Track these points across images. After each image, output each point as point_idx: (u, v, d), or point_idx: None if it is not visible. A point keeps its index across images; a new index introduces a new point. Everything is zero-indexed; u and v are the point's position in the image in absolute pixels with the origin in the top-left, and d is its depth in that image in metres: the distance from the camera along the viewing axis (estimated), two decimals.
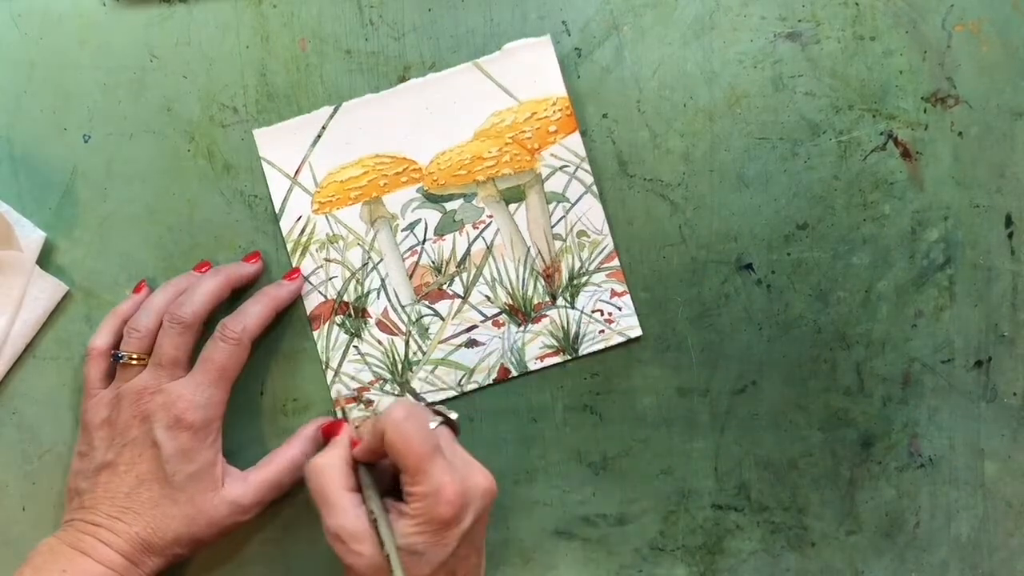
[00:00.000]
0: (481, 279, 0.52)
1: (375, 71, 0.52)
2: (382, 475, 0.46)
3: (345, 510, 0.44)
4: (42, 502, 0.53)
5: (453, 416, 0.46)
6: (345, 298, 0.52)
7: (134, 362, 0.48)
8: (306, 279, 0.52)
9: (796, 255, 0.53)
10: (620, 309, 0.52)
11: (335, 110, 0.52)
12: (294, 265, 0.52)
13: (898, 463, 0.53)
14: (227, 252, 0.53)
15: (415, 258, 0.52)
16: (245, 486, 0.48)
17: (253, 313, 0.49)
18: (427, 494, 0.42)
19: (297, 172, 0.52)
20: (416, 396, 0.52)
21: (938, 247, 0.53)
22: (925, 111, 0.53)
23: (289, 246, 0.52)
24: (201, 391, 0.47)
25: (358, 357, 0.52)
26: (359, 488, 0.45)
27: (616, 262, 0.52)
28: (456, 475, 0.43)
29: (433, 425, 0.45)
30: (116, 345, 0.50)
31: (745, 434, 0.53)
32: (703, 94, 0.52)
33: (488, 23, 0.52)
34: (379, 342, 0.52)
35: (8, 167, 0.52)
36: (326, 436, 0.49)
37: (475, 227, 0.52)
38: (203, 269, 0.51)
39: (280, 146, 0.52)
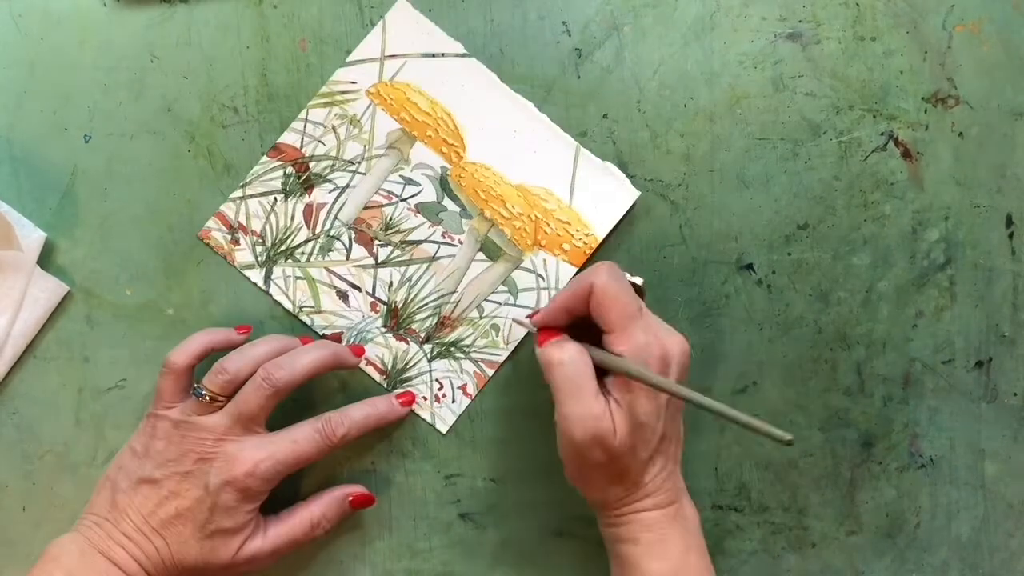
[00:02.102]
0: (402, 268, 0.52)
1: None
2: None
3: (601, 403, 0.44)
4: (42, 502, 0.53)
5: (639, 281, 0.47)
6: (311, 166, 0.52)
7: (211, 401, 0.48)
8: (304, 120, 0.52)
9: (797, 255, 0.53)
10: (454, 402, 0.52)
11: (465, 55, 0.52)
12: (308, 105, 0.51)
13: (899, 463, 0.53)
14: None
15: (383, 202, 0.52)
16: (263, 541, 0.48)
17: (357, 424, 0.49)
18: (633, 352, 0.44)
19: (392, 57, 0.51)
20: (266, 279, 0.52)
21: (939, 247, 0.53)
22: (926, 111, 0.53)
23: (321, 90, 0.52)
24: (269, 465, 0.47)
25: (264, 207, 0.52)
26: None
27: (490, 373, 0.52)
28: (656, 334, 0.45)
29: None
30: (194, 366, 0.49)
31: (745, 434, 0.53)
32: (703, 94, 0.52)
33: (488, 23, 0.52)
34: (290, 216, 0.52)
35: (8, 167, 0.52)
36: (355, 506, 0.51)
37: (444, 236, 0.52)
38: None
39: (405, 28, 0.51)
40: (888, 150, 0.53)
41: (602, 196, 0.52)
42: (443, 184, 0.52)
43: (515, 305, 0.52)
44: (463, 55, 0.52)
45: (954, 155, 0.53)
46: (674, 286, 0.53)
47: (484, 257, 0.52)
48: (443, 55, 0.52)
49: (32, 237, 0.51)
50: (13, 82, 0.52)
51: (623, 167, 0.52)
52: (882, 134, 0.53)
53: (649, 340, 0.44)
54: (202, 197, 0.52)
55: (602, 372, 0.46)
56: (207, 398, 0.47)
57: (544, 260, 0.52)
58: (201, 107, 0.52)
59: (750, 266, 0.53)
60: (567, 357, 0.45)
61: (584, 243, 0.52)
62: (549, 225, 0.52)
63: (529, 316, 0.52)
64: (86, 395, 0.53)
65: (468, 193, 0.52)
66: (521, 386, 0.53)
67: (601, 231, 0.52)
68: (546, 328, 0.47)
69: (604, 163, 0.52)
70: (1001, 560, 0.53)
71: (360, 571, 0.53)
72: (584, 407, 0.44)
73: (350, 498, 0.51)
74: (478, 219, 0.52)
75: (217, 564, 0.47)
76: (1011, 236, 0.53)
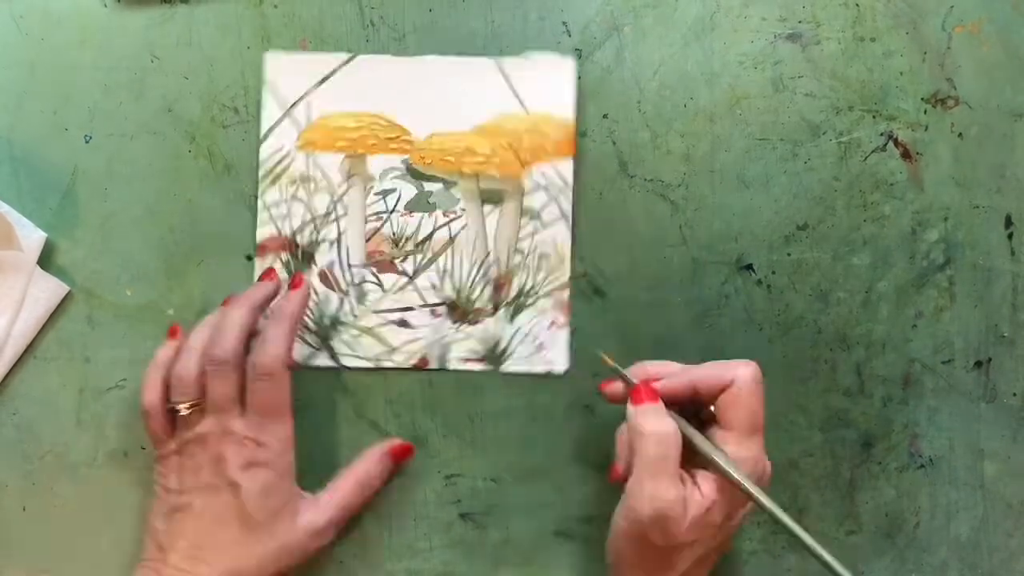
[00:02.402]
0: (433, 267, 0.52)
1: None
2: None
3: (680, 489, 0.43)
4: (42, 502, 0.53)
5: None
6: (298, 240, 0.52)
7: (190, 410, 0.47)
8: (267, 207, 0.52)
9: (796, 255, 0.53)
10: (555, 341, 0.52)
11: (350, 58, 0.52)
12: (259, 192, 0.52)
13: (898, 463, 0.53)
14: (228, 253, 0.52)
15: (378, 224, 0.52)
16: (317, 510, 0.48)
17: (273, 339, 0.47)
18: (744, 463, 0.43)
19: (294, 105, 0.52)
20: (333, 356, 0.52)
21: (938, 247, 0.53)
22: (925, 112, 0.53)
23: (260, 172, 0.52)
24: (263, 430, 0.46)
25: None
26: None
27: (567, 295, 0.52)
28: (764, 452, 0.44)
29: None
30: (163, 397, 0.48)
31: None
32: (704, 95, 0.52)
33: (489, 24, 0.52)
34: (314, 291, 0.52)
35: (9, 167, 0.52)
36: (395, 458, 0.51)
37: (445, 215, 0.52)
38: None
39: (287, 75, 0.52)
40: (888, 150, 0.53)
41: (546, 83, 0.52)
42: (414, 174, 0.52)
43: (544, 227, 0.52)
44: (350, 58, 0.52)
45: (954, 155, 0.53)
46: (674, 286, 0.53)
47: (491, 207, 0.52)
48: (334, 71, 0.52)
49: (32, 237, 0.51)
50: (13, 82, 0.52)
51: (623, 167, 0.52)
52: (882, 134, 0.53)
53: (761, 457, 0.44)
54: (202, 197, 0.52)
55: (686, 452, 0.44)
56: (185, 410, 0.47)
57: (542, 171, 0.52)
58: (201, 107, 0.52)
59: (750, 266, 0.53)
60: (662, 431, 0.44)
61: (564, 136, 0.52)
62: (523, 141, 0.52)
63: (609, 358, 0.48)
64: (86, 395, 0.53)
65: (439, 167, 0.52)
66: (521, 386, 0.53)
67: (568, 112, 0.52)
68: (644, 385, 0.46)
69: (525, 56, 0.52)
70: (1001, 560, 0.53)
71: (360, 571, 0.53)
72: (661, 487, 0.43)
73: (390, 452, 0.51)
74: (463, 181, 0.52)
75: (285, 553, 0.46)
76: (1011, 236, 0.53)
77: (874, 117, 0.53)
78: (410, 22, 0.52)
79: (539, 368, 0.52)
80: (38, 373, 0.52)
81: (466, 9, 0.52)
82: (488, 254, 0.52)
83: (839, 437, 0.53)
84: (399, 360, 0.52)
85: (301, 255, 0.52)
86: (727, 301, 0.53)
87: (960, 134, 0.53)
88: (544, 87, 0.52)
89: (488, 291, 0.52)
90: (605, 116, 0.52)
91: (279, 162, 0.52)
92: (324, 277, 0.52)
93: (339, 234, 0.52)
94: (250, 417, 0.46)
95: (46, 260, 0.52)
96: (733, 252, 0.53)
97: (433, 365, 0.52)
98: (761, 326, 0.53)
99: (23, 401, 0.53)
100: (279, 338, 0.47)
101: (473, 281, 0.52)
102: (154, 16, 0.52)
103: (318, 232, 0.52)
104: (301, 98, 0.52)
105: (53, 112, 0.52)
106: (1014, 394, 0.53)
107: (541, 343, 0.52)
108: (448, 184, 0.52)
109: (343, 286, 0.52)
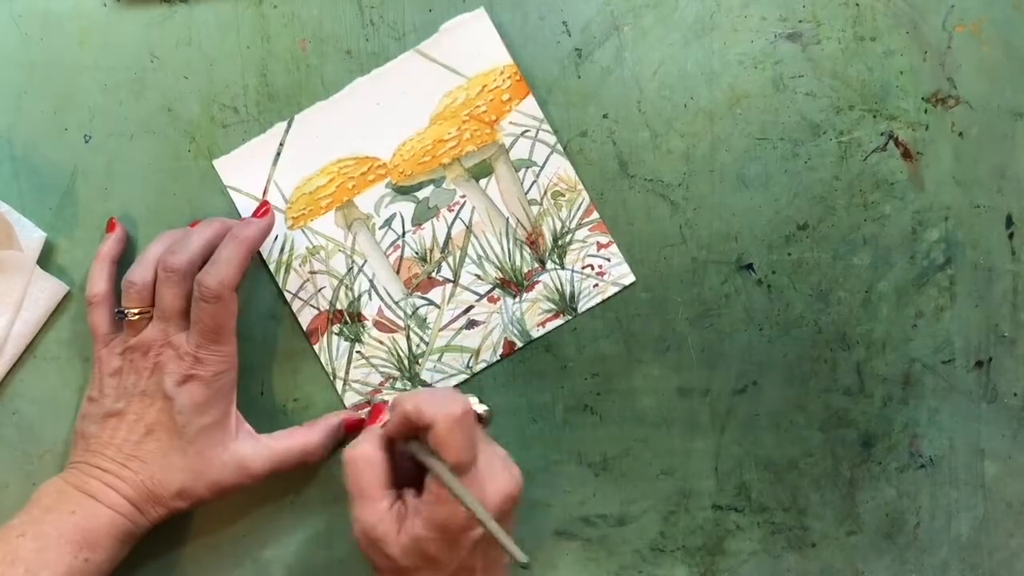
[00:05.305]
0: (468, 259, 0.53)
1: None
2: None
3: (380, 510, 0.43)
4: None
5: (482, 410, 0.46)
6: (338, 306, 0.52)
7: (138, 316, 0.48)
8: (295, 295, 0.52)
9: (797, 255, 0.53)
10: (609, 260, 0.52)
11: (289, 124, 0.52)
12: (280, 284, 0.52)
13: (898, 463, 0.53)
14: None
15: (398, 252, 0.52)
16: (256, 448, 0.48)
17: (226, 261, 0.47)
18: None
19: (264, 193, 0.52)
20: (427, 387, 0.53)
21: (938, 247, 0.53)
22: (926, 111, 0.53)
23: (272, 267, 0.52)
24: (204, 348, 0.47)
25: (363, 362, 0.52)
26: (393, 484, 0.45)
27: (596, 215, 0.52)
28: (479, 484, 0.43)
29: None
30: (113, 289, 0.50)
31: (745, 434, 0.53)
32: (704, 94, 0.52)
33: None
34: (381, 342, 0.52)
35: (9, 167, 0.52)
36: (348, 430, 0.50)
37: (450, 210, 0.52)
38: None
39: (242, 171, 0.52)
40: (888, 150, 0.53)
41: (470, 43, 0.52)
42: (403, 191, 0.52)
43: (541, 168, 0.52)
44: (289, 123, 0.52)
45: (954, 155, 0.53)
46: (674, 286, 0.53)
47: (486, 178, 0.52)
48: (282, 144, 0.52)
49: (32, 237, 0.51)
50: (13, 82, 0.52)
51: (623, 167, 0.52)
52: (882, 134, 0.53)
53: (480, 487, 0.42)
54: (202, 197, 0.52)
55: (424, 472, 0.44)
56: (132, 315, 0.48)
57: (512, 121, 0.52)
58: (201, 107, 0.52)
59: (750, 266, 0.53)
60: (353, 455, 0.44)
61: (511, 79, 0.52)
62: (480, 106, 0.52)
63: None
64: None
65: (420, 172, 0.52)
66: (521, 386, 0.53)
67: (503, 56, 0.52)
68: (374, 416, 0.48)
69: (440, 30, 0.51)
70: (1001, 560, 0.53)
71: (361, 571, 0.53)
72: (361, 510, 0.43)
73: (344, 424, 0.51)
74: (448, 171, 0.52)
75: (209, 477, 0.47)
76: (1011, 236, 0.53)
77: (874, 117, 0.53)
78: (410, 22, 0.52)
79: (611, 291, 0.53)
80: (38, 373, 0.52)
81: (466, 9, 0.52)
82: (507, 220, 0.53)
83: (839, 437, 0.53)
84: (487, 357, 0.53)
85: (349, 318, 0.52)
86: (727, 301, 0.53)
87: (961, 134, 0.53)
88: (470, 47, 0.52)
89: (527, 252, 0.53)
90: (605, 116, 0.52)
91: (281, 250, 0.52)
92: (380, 326, 0.52)
93: (370, 281, 0.52)
94: (191, 337, 0.47)
95: (46, 260, 0.52)
96: (733, 252, 0.53)
97: (520, 344, 0.53)
98: (761, 326, 0.53)
99: (23, 401, 0.53)
100: (230, 261, 0.47)
101: (509, 251, 0.52)
102: (154, 16, 0.52)
103: (351, 291, 0.52)
104: (267, 185, 0.52)
105: (53, 112, 0.52)
106: (1015, 394, 0.53)
107: (600, 268, 0.53)
108: (437, 182, 0.52)
109: (401, 324, 0.53)
